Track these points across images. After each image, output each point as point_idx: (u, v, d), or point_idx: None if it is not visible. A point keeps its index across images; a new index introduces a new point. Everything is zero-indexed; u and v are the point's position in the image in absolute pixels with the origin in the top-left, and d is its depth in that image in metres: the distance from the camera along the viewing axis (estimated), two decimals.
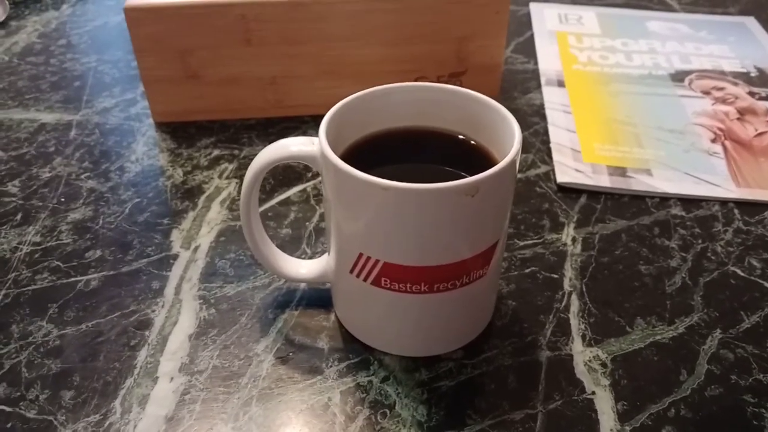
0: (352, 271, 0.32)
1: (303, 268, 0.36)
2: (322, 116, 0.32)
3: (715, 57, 0.63)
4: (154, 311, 0.38)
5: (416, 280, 0.31)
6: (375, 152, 0.35)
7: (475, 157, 0.34)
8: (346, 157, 0.32)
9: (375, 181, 0.28)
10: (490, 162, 0.33)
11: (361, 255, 0.31)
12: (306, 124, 0.52)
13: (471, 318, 0.35)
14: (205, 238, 0.42)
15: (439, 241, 0.30)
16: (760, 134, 0.52)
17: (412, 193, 0.28)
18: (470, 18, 0.51)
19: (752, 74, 0.60)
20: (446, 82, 0.53)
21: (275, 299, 0.38)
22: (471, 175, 0.28)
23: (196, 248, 0.41)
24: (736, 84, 0.58)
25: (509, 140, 0.31)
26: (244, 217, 0.34)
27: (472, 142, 0.35)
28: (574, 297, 0.38)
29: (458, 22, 0.51)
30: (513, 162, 0.29)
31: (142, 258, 0.41)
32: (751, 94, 0.57)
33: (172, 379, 0.34)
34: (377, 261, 0.31)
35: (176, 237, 0.42)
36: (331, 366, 0.34)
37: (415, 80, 0.53)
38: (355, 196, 0.30)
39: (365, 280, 0.32)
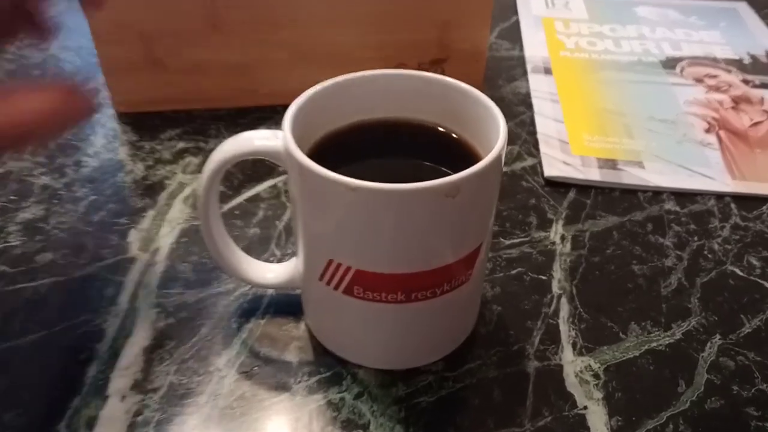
0: (321, 279, 0.29)
1: (270, 273, 0.33)
2: None
3: (706, 43, 0.60)
4: (106, 321, 0.34)
5: (392, 289, 0.28)
6: (347, 147, 0.31)
7: (457, 152, 0.31)
8: (315, 153, 0.29)
9: (343, 181, 0.25)
10: (472, 157, 0.30)
11: (330, 262, 0.28)
12: (279, 115, 0.49)
13: (452, 327, 0.32)
14: (166, 239, 0.39)
15: (416, 246, 0.27)
16: (756, 124, 0.49)
17: (385, 194, 0.25)
18: (453, 3, 0.47)
19: (745, 61, 0.57)
20: (428, 70, 0.50)
21: (240, 306, 0.35)
22: (453, 172, 0.25)
23: (156, 250, 0.38)
24: (729, 71, 0.56)
25: (494, 134, 0.28)
26: (202, 218, 0.31)
27: (454, 135, 0.32)
28: (563, 301, 0.35)
29: (440, 7, 0.47)
30: (498, 158, 0.27)
31: (97, 262, 0.38)
32: (745, 81, 0.55)
33: (123, 397, 0.31)
34: (348, 268, 0.28)
35: (134, 238, 0.39)
36: (299, 381, 0.31)
37: (395, 68, 0.50)
38: (322, 197, 0.27)
39: (336, 288, 0.29)
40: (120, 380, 0.32)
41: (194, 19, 0.46)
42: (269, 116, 0.49)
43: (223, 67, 0.48)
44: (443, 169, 0.30)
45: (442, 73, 0.50)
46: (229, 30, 0.46)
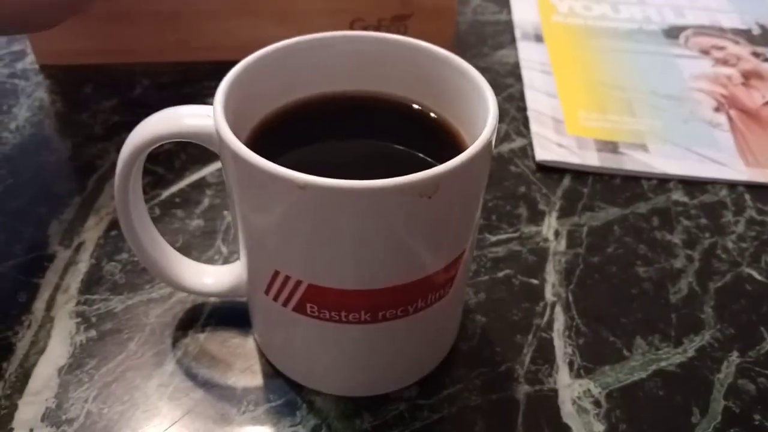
0: (267, 293, 0.24)
1: (209, 278, 0.28)
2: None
3: (711, 11, 0.54)
4: (17, 334, 0.29)
5: (354, 308, 0.23)
6: (297, 129, 0.26)
7: (435, 136, 0.25)
8: (257, 136, 0.24)
9: (289, 176, 0.19)
10: (455, 142, 0.25)
11: (276, 273, 0.23)
12: None
13: (428, 347, 0.27)
14: (92, 233, 0.33)
15: (383, 257, 0.21)
16: None
17: (343, 193, 0.19)
18: None
19: (754, 32, 0.52)
20: (389, 29, 0.44)
21: (176, 317, 0.29)
22: (430, 161, 0.20)
23: (79, 246, 0.32)
24: (737, 42, 0.51)
25: (481, 114, 0.23)
26: (120, 211, 0.25)
27: (432, 114, 0.26)
28: (558, 310, 0.30)
29: None
30: (486, 147, 0.21)
31: (8, 259, 0.32)
32: (755, 54, 0.49)
33: (31, 431, 0.25)
34: (299, 282, 0.22)
35: (54, 231, 0.33)
36: (244, 412, 0.26)
37: (351, 24, 0.43)
38: (264, 195, 0.21)
39: (285, 305, 0.23)
40: (28, 408, 0.26)
41: None
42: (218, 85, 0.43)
43: (150, 14, 0.42)
44: (419, 156, 0.25)
45: (405, 32, 0.44)
46: None
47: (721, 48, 0.50)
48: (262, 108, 0.25)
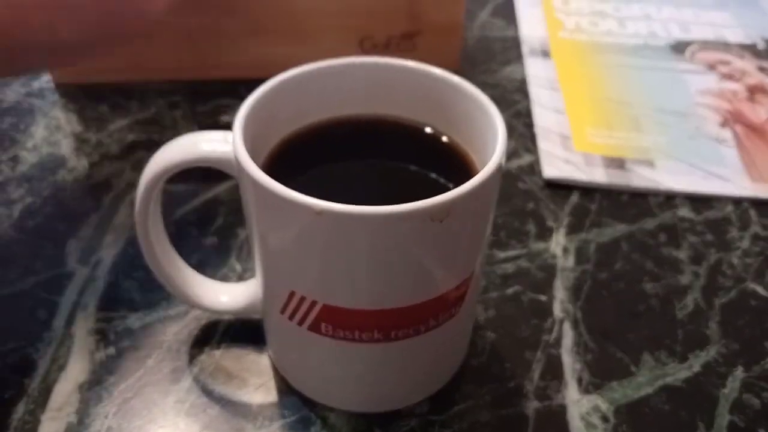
0: (283, 312, 0.24)
1: (225, 295, 0.29)
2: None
3: (717, 26, 0.55)
4: (38, 351, 0.29)
5: (367, 327, 0.23)
6: (314, 151, 0.26)
7: (447, 159, 0.26)
8: (275, 159, 0.24)
9: (305, 202, 0.20)
10: (465, 165, 0.25)
11: (293, 293, 0.23)
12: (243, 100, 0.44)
13: (439, 364, 0.27)
14: (109, 250, 0.34)
15: (395, 279, 0.22)
16: None
17: (357, 218, 0.20)
18: None
19: (759, 47, 0.53)
20: (399, 45, 0.44)
21: (192, 334, 0.30)
22: (443, 183, 0.21)
23: (97, 263, 0.33)
24: (742, 57, 0.51)
25: (491, 139, 0.23)
26: (140, 233, 0.26)
27: (443, 138, 0.27)
28: (566, 326, 0.31)
29: None
30: (496, 172, 0.22)
31: (28, 277, 0.32)
32: (761, 69, 0.50)
33: None
34: (314, 302, 0.23)
35: (73, 248, 0.34)
36: (260, 427, 0.27)
37: (361, 42, 0.44)
38: (281, 219, 0.22)
39: (300, 324, 0.24)
40: (51, 424, 0.27)
41: None
42: (231, 103, 0.43)
43: (169, 33, 0.43)
44: (431, 178, 0.25)
45: (413, 49, 0.45)
46: None
47: (727, 63, 0.50)
48: (279, 132, 0.26)
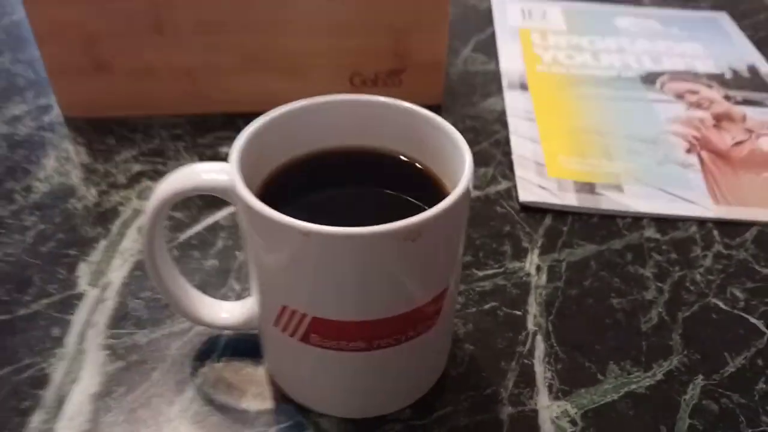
0: (276, 325, 0.27)
1: (224, 312, 0.31)
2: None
3: (688, 57, 0.59)
4: (52, 365, 0.32)
5: (352, 337, 0.26)
6: (303, 179, 0.29)
7: (422, 184, 0.29)
8: (268, 186, 0.27)
9: (294, 225, 0.23)
10: (438, 190, 0.28)
11: (284, 308, 0.26)
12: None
13: (420, 372, 0.30)
14: (117, 273, 0.36)
15: (376, 293, 0.25)
16: (738, 143, 0.48)
17: (339, 239, 0.23)
18: (406, 10, 0.45)
19: (727, 76, 0.56)
20: (385, 81, 0.48)
21: (194, 348, 0.33)
22: (418, 206, 0.23)
23: (106, 285, 0.36)
24: (710, 87, 0.54)
25: (459, 167, 0.26)
26: (147, 256, 0.29)
27: (417, 165, 0.30)
28: (539, 338, 0.34)
29: (395, 12, 0.45)
30: (463, 196, 0.25)
31: (42, 298, 0.35)
32: (727, 98, 0.53)
33: None
34: (304, 315, 0.26)
35: (83, 272, 0.37)
36: None
37: (351, 78, 0.48)
38: (272, 240, 0.24)
39: (292, 335, 0.27)
40: None
41: (137, 22, 0.44)
42: (229, 135, 0.47)
43: (169, 70, 0.46)
44: (409, 200, 0.28)
45: (400, 84, 0.48)
46: (174, 32, 0.45)
47: (695, 92, 0.54)
48: (272, 162, 0.29)
